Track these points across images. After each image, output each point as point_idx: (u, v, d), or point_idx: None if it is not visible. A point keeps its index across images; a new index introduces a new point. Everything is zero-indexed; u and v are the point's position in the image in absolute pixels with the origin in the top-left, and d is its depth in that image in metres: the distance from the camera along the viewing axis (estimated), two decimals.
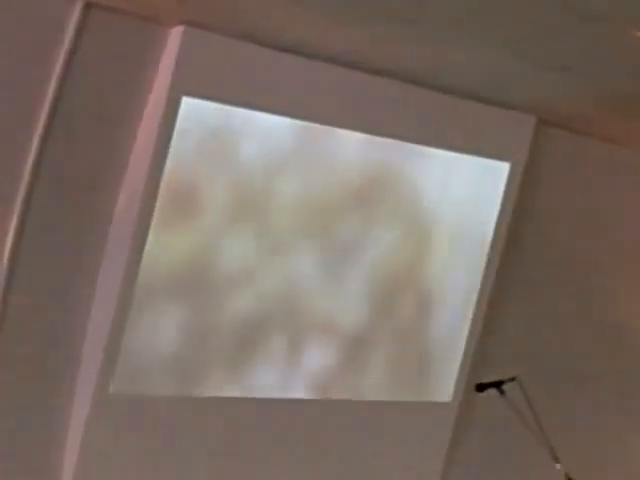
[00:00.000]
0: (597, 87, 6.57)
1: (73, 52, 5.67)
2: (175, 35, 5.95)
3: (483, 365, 8.04)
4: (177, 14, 5.84)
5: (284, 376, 7.17)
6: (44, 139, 5.75)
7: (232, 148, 6.52)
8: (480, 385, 6.27)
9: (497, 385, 6.15)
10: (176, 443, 6.74)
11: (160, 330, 6.50)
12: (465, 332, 8.04)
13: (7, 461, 6.06)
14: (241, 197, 6.68)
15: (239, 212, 6.70)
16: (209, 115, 6.33)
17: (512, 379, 6.14)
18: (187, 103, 6.14)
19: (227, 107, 6.40)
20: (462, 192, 7.83)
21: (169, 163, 6.22)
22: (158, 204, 6.24)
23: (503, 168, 7.90)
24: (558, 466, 5.98)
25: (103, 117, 5.96)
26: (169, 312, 6.51)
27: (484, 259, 7.99)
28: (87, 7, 5.63)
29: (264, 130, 6.60)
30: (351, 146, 7.10)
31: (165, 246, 6.39)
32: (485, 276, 8.01)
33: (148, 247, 6.28)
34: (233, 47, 6.14)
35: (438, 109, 7.23)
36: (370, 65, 6.63)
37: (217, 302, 6.75)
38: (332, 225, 7.20)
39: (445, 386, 8.07)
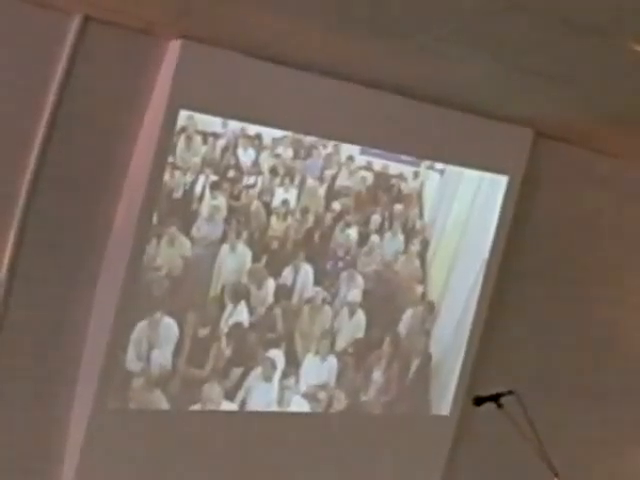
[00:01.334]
0: (594, 100, 6.70)
1: (71, 65, 5.88)
2: (173, 48, 6.14)
3: (481, 379, 8.10)
4: (175, 28, 6.03)
5: (282, 390, 7.26)
6: (43, 150, 5.94)
7: (229, 156, 6.70)
8: (478, 399, 6.24)
9: (495, 399, 6.13)
10: (174, 458, 6.83)
11: (157, 344, 6.60)
12: (463, 346, 8.14)
13: (5, 477, 6.16)
14: (237, 207, 6.82)
15: (235, 223, 6.83)
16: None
17: (510, 392, 6.13)
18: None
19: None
20: (461, 206, 7.94)
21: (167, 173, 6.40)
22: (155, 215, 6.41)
23: (501, 181, 7.99)
24: None
25: (102, 129, 6.14)
26: (166, 325, 6.62)
27: (482, 272, 8.07)
28: (85, 20, 5.85)
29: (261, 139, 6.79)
30: (350, 156, 7.27)
31: (161, 258, 6.52)
32: (483, 288, 8.11)
33: (145, 259, 6.42)
34: (231, 60, 6.30)
35: (436, 122, 7.34)
36: (368, 78, 6.77)
37: (214, 315, 6.86)
38: (331, 239, 7.33)
39: (443, 400, 8.17)
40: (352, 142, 7.18)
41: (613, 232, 8.85)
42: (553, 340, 8.72)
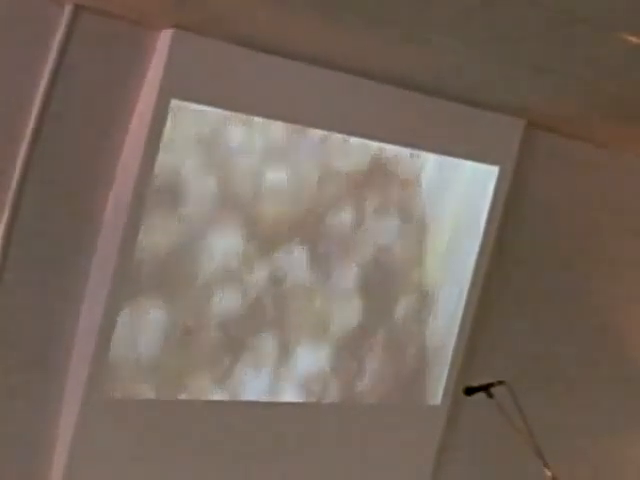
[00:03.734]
0: (585, 90, 7.09)
1: (62, 55, 6.28)
2: (164, 38, 6.54)
3: (472, 368, 8.63)
4: (167, 17, 6.44)
5: (274, 379, 7.65)
6: (33, 142, 6.33)
7: (219, 141, 7.04)
8: (469, 389, 6.79)
9: (486, 388, 6.68)
10: (165, 447, 7.20)
11: (147, 332, 6.99)
12: (454, 335, 8.61)
13: None
14: (227, 191, 7.17)
15: (225, 207, 7.20)
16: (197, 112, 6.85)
17: (501, 382, 6.66)
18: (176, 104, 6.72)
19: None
20: (458, 189, 8.41)
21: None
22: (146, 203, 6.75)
23: (492, 172, 8.45)
24: (547, 471, 6.51)
25: (92, 120, 6.55)
26: (156, 313, 7.02)
27: (473, 263, 8.54)
28: (76, 10, 6.26)
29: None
30: (344, 142, 7.65)
31: (150, 245, 6.90)
32: (474, 279, 8.56)
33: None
34: (223, 50, 6.70)
35: (426, 112, 7.75)
36: (358, 68, 7.19)
37: (204, 302, 7.24)
38: (324, 223, 7.72)
39: (434, 389, 8.64)
40: (342, 132, 7.50)
41: (605, 222, 9.31)
42: (545, 330, 9.19)
